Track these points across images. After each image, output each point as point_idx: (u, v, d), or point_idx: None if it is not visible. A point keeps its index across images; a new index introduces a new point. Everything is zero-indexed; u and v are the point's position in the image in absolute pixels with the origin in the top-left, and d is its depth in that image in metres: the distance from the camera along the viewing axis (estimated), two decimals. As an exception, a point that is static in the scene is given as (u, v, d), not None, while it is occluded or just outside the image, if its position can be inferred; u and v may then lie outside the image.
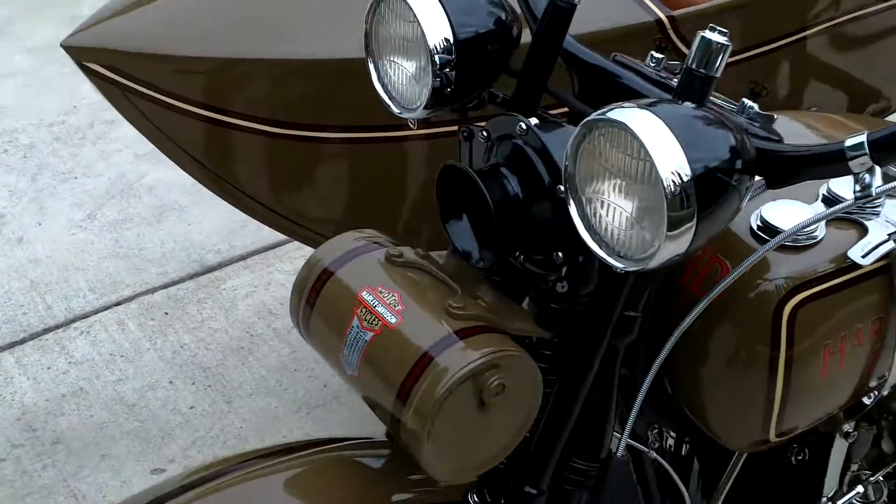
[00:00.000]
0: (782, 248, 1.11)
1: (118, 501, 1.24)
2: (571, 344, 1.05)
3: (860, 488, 1.42)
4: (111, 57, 1.55)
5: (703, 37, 0.92)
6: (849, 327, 1.15)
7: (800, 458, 1.39)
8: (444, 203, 1.06)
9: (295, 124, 1.69)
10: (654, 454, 1.21)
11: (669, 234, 0.85)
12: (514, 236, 1.01)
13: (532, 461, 1.08)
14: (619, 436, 1.09)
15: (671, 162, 0.83)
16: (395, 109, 1.13)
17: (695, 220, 0.85)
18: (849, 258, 1.13)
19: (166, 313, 2.51)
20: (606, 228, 0.91)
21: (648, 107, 0.87)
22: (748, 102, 1.00)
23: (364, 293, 1.03)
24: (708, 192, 0.85)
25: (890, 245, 1.13)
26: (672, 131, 0.84)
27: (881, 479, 1.45)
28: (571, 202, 0.93)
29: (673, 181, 0.83)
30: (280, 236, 2.66)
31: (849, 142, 0.87)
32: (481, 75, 1.08)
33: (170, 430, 2.19)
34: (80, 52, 1.56)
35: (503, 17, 1.08)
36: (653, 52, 1.13)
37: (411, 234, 1.86)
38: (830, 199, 1.16)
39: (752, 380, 1.14)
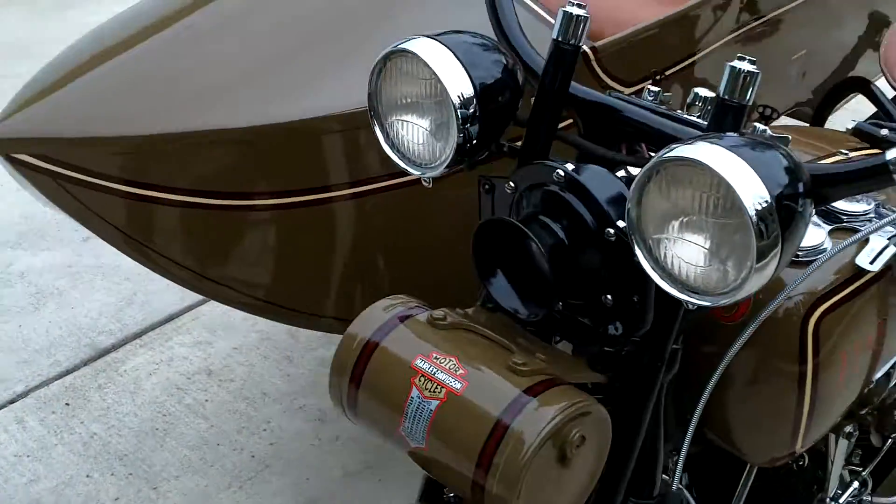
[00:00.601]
0: (795, 264, 1.13)
1: None
2: (625, 384, 1.04)
3: (856, 484, 1.46)
4: (41, 145, 1.46)
5: (732, 66, 0.93)
6: (861, 331, 1.19)
7: (800, 463, 1.42)
8: (481, 261, 1.04)
9: (218, 193, 1.64)
10: (679, 485, 1.21)
11: (758, 265, 0.85)
12: (564, 284, 0.99)
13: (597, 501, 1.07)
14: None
15: (752, 192, 0.84)
16: (409, 169, 1.10)
17: (780, 246, 0.85)
18: (857, 265, 1.16)
19: (67, 404, 2.38)
20: (679, 267, 0.91)
21: (714, 141, 0.87)
22: (760, 126, 1.02)
23: (418, 361, 1.00)
24: (786, 217, 0.85)
25: (892, 249, 1.16)
26: (747, 162, 0.85)
27: (868, 474, 1.50)
28: (637, 245, 0.92)
29: (756, 210, 0.84)
30: (170, 308, 2.59)
31: (890, 156, 0.89)
32: (497, 127, 1.07)
33: (98, 526, 2.08)
34: (7, 144, 1.46)
35: (509, 66, 1.07)
36: (649, 87, 1.14)
37: (344, 296, 1.83)
38: (829, 213, 1.20)
39: (783, 396, 1.16)
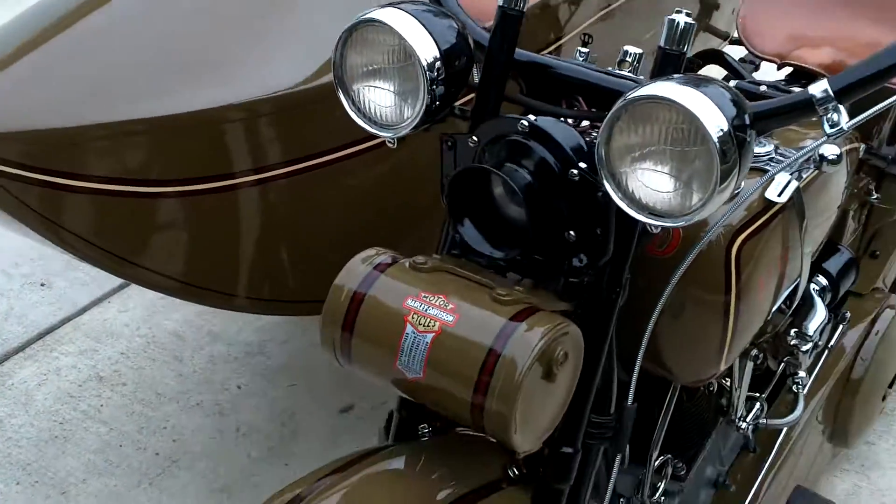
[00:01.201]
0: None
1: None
2: (588, 311, 1.15)
3: (757, 406, 1.63)
4: None
5: (670, 20, 1.07)
6: (772, 257, 1.34)
7: (710, 388, 1.57)
8: (453, 210, 1.14)
9: (130, 181, 1.68)
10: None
11: (720, 186, 0.98)
12: (537, 223, 1.10)
13: (566, 423, 1.17)
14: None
15: (714, 122, 0.96)
16: (377, 132, 1.18)
17: (738, 168, 0.98)
18: (767, 199, 1.31)
19: (-42, 421, 2.34)
20: (645, 195, 1.03)
21: (675, 81, 0.99)
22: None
23: (409, 301, 1.09)
24: (740, 143, 0.98)
25: (794, 184, 1.32)
26: (707, 97, 0.97)
27: (764, 398, 1.66)
28: (606, 179, 1.03)
29: (719, 137, 0.96)
30: (49, 320, 2.58)
31: (814, 90, 1.04)
32: (456, 90, 1.16)
33: (14, 534, 2.07)
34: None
35: (462, 32, 1.17)
36: (579, 49, 1.27)
37: (254, 276, 1.88)
38: None
39: (710, 321, 1.30)
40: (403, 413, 1.26)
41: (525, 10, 1.18)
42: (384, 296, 1.11)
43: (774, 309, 1.45)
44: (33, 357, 2.53)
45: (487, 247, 1.15)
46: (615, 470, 1.27)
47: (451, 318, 1.07)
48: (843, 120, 1.05)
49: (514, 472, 1.21)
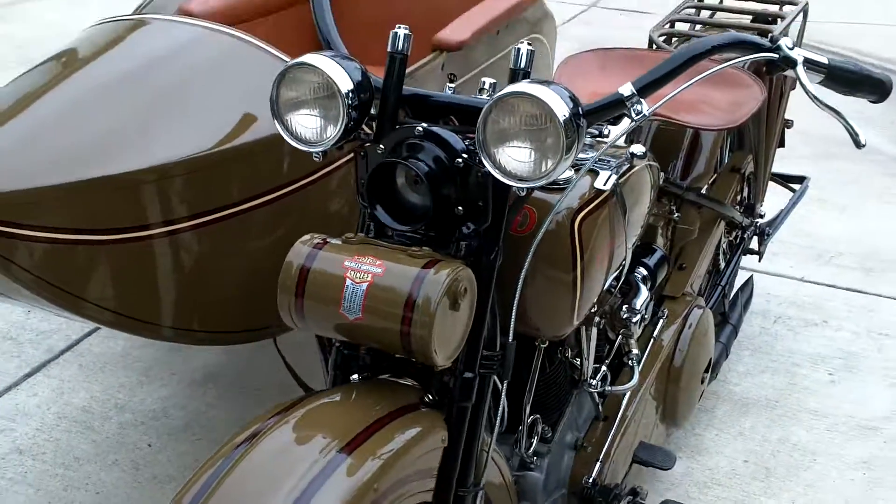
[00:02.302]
0: (553, 191, 1.69)
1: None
2: (475, 265, 1.53)
3: (603, 371, 2.03)
4: None
5: (517, 49, 1.49)
6: (604, 234, 1.76)
7: (566, 357, 1.97)
8: (370, 197, 1.52)
9: (75, 230, 1.96)
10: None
11: (566, 156, 1.39)
12: (436, 201, 1.48)
13: (466, 354, 1.53)
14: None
15: (561, 110, 1.38)
16: (306, 149, 1.56)
17: (576, 143, 1.40)
18: (596, 188, 1.74)
19: None
20: (512, 167, 1.43)
21: (530, 83, 1.40)
22: None
23: (347, 262, 1.46)
24: (576, 126, 1.40)
25: (615, 177, 1.75)
26: (554, 91, 1.39)
27: (607, 368, 2.07)
28: (484, 158, 1.43)
29: (564, 118, 1.37)
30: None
31: (623, 91, 1.48)
32: (362, 116, 1.55)
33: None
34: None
35: (366, 72, 1.56)
36: (448, 85, 1.68)
37: (179, 310, 2.18)
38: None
39: (563, 285, 1.70)
40: (338, 365, 1.60)
41: (408, 52, 1.58)
42: (325, 264, 1.47)
43: (610, 280, 1.87)
44: (-48, 438, 2.73)
45: (397, 224, 1.52)
46: (503, 394, 1.63)
47: (379, 271, 1.44)
48: (645, 108, 1.49)
49: (429, 398, 1.56)
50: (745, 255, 3.02)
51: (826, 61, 1.66)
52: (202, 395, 2.89)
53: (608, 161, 1.79)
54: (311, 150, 1.56)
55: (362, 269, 1.44)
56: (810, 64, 1.63)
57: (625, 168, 1.82)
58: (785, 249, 3.66)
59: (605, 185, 1.75)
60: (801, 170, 3.82)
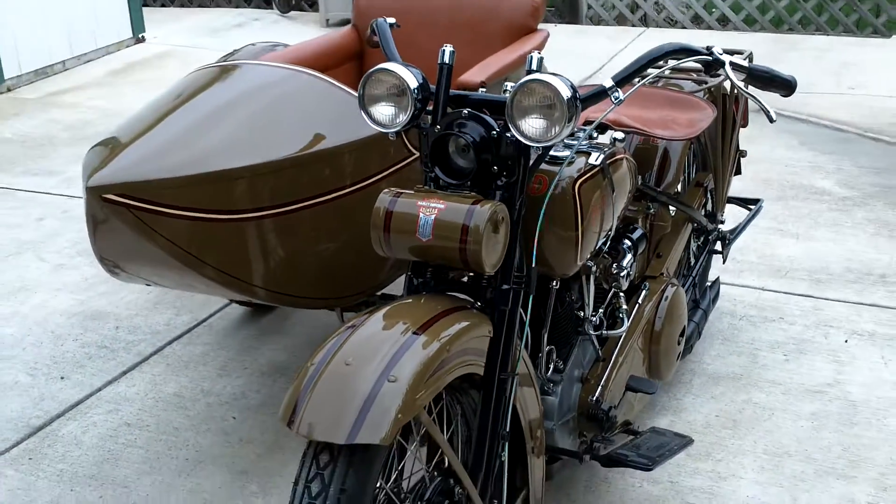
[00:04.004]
0: (557, 163, 2.31)
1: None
2: (510, 204, 2.13)
3: (600, 315, 2.63)
4: (121, 188, 2.40)
5: (531, 57, 2.12)
6: (597, 199, 2.38)
7: (572, 296, 2.57)
8: (431, 162, 2.13)
9: (228, 211, 2.59)
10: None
11: (567, 124, 2.02)
12: (479, 162, 2.10)
13: (503, 272, 2.14)
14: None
15: (564, 91, 2.01)
16: (383, 131, 2.18)
17: (575, 114, 2.02)
18: (590, 163, 2.36)
19: (30, 458, 3.08)
20: (531, 132, 2.05)
21: (543, 74, 2.04)
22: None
23: (419, 203, 2.07)
24: (575, 107, 2.02)
25: (602, 155, 2.38)
26: (560, 79, 2.02)
27: (602, 308, 2.67)
28: (512, 126, 2.05)
29: (567, 97, 2.00)
30: (76, 397, 3.35)
31: (605, 83, 2.11)
32: (423, 107, 2.18)
33: None
34: (101, 189, 2.39)
35: (425, 77, 2.19)
36: (481, 89, 2.31)
37: (270, 276, 2.78)
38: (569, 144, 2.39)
39: (569, 235, 2.31)
40: (414, 278, 2.19)
41: (452, 64, 2.21)
42: (404, 207, 2.08)
43: (602, 238, 2.48)
44: (72, 418, 3.29)
45: (451, 180, 2.13)
46: (529, 305, 2.23)
47: (442, 206, 2.05)
48: (621, 95, 2.12)
49: (477, 306, 2.16)
50: (711, 255, 3.63)
51: (747, 65, 2.29)
52: (272, 382, 3.47)
53: (598, 147, 2.42)
54: (387, 131, 2.18)
55: (431, 206, 2.06)
56: (734, 66, 2.26)
57: (609, 151, 2.43)
58: (749, 268, 4.27)
59: (596, 161, 2.37)
60: (768, 207, 4.49)
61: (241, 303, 3.86)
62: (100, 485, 2.96)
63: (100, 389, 3.47)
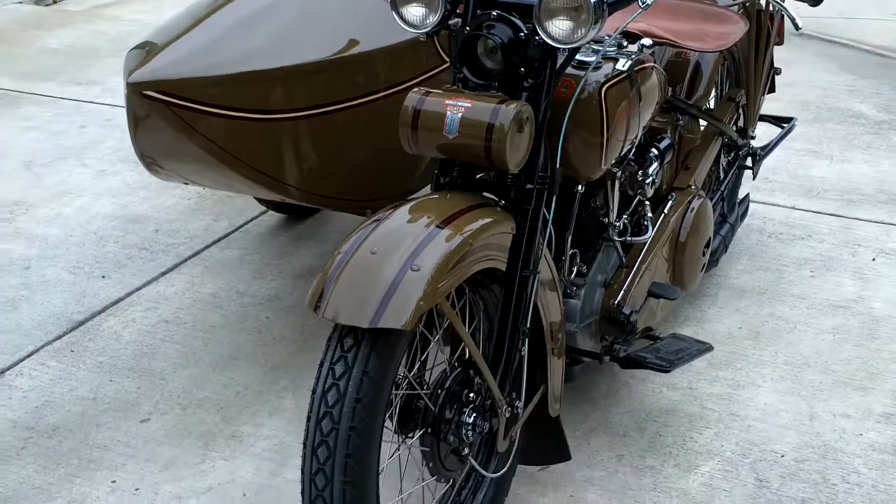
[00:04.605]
0: (584, 68, 2.33)
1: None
2: (535, 106, 2.17)
3: (624, 221, 2.67)
4: (161, 85, 2.46)
5: None
6: (624, 105, 2.40)
7: (597, 202, 2.61)
8: (460, 62, 2.17)
9: (244, 110, 2.65)
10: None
11: (594, 26, 2.04)
12: (507, 63, 2.13)
13: (527, 172, 2.18)
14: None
15: None
16: (415, 32, 2.21)
17: (601, 17, 2.04)
18: (617, 69, 2.38)
19: (72, 351, 3.19)
20: (558, 34, 2.08)
21: None
22: None
23: (447, 101, 2.11)
24: (601, 10, 2.04)
25: (630, 62, 2.40)
26: None
27: (626, 215, 2.71)
28: (540, 28, 2.08)
29: (594, 2, 2.02)
30: (116, 294, 3.45)
31: None
32: (453, 9, 2.20)
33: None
34: (141, 86, 2.45)
35: None
36: (510, -4, 2.33)
37: (303, 175, 2.83)
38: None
39: (595, 137, 2.34)
40: (441, 177, 2.23)
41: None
42: (431, 105, 2.12)
43: (627, 145, 2.51)
44: (112, 314, 3.40)
45: (478, 80, 2.17)
46: (553, 206, 2.27)
47: (469, 105, 2.09)
48: (650, 1, 2.13)
49: (502, 204, 2.20)
50: (741, 171, 3.64)
51: None
52: (305, 285, 3.55)
53: (626, 54, 2.44)
54: (418, 32, 2.21)
55: (458, 105, 2.09)
56: None
57: (637, 59, 2.45)
58: (781, 187, 4.28)
59: (623, 66, 2.39)
60: (803, 129, 4.49)
61: (276, 209, 3.93)
62: (138, 376, 3.07)
63: (139, 288, 3.56)
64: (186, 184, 3.00)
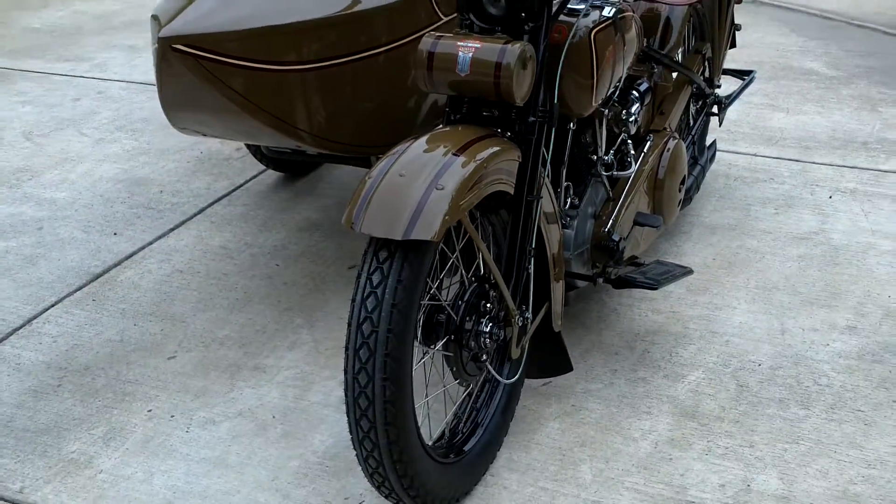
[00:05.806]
0: (574, 15, 2.55)
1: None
2: (536, 44, 2.38)
3: (612, 152, 2.90)
4: (189, 39, 2.64)
5: None
6: (610, 48, 2.62)
7: (586, 139, 2.84)
8: (467, 9, 2.37)
9: (261, 61, 2.83)
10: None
11: None
12: (509, 7, 2.34)
13: (529, 102, 2.39)
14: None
15: None
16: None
17: None
18: (604, 15, 2.61)
19: (94, 300, 3.37)
20: None
21: None
22: None
23: (458, 43, 2.31)
24: None
25: (614, 9, 2.62)
26: None
27: (612, 151, 2.94)
28: None
29: None
30: (129, 249, 3.62)
31: None
32: None
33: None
34: (171, 40, 2.63)
35: None
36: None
37: (314, 122, 3.03)
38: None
39: (586, 75, 2.56)
40: (451, 113, 2.44)
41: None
42: (444, 48, 2.33)
43: (613, 85, 2.73)
44: (128, 267, 3.57)
45: (484, 25, 2.38)
46: (552, 140, 2.49)
47: (479, 45, 2.30)
48: (641, -51, 2.35)
49: (507, 136, 2.41)
50: (708, 117, 3.89)
51: None
52: (310, 236, 3.75)
53: (610, 3, 2.66)
54: None
55: (468, 46, 2.30)
56: None
57: (619, 6, 2.67)
58: (743, 137, 4.53)
59: (609, 13, 2.61)
60: (760, 85, 4.75)
61: (276, 167, 4.11)
62: (160, 320, 3.25)
63: (151, 243, 3.74)
64: (205, 135, 3.18)
